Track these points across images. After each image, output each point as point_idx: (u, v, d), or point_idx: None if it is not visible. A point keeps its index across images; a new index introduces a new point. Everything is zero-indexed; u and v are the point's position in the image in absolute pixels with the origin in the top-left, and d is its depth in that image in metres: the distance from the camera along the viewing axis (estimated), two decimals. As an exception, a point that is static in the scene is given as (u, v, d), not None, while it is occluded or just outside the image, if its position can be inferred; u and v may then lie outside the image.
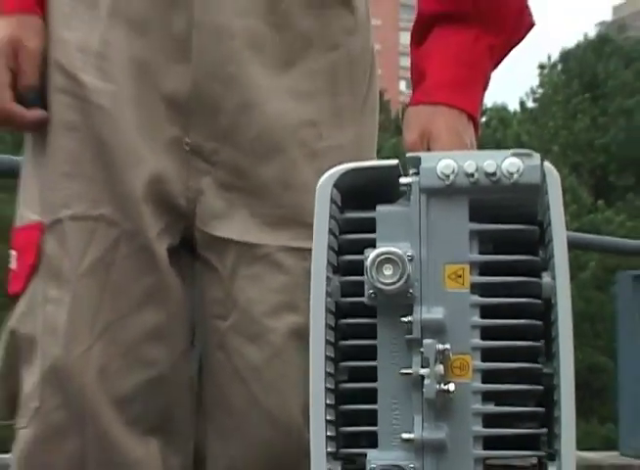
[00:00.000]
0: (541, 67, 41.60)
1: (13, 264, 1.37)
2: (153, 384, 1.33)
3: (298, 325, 1.28)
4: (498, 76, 1.33)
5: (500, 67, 1.34)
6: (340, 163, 1.20)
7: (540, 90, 40.96)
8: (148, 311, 1.32)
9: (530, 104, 39.90)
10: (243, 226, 1.33)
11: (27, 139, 1.41)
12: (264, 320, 1.32)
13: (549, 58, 41.39)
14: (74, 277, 1.31)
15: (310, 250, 1.17)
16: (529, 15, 1.34)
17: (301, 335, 1.24)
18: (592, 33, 44.84)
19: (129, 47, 1.33)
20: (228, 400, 1.34)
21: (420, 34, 1.36)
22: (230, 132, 1.33)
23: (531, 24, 1.35)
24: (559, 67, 40.88)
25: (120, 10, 1.33)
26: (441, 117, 1.31)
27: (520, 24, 1.34)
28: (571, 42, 42.04)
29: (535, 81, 41.76)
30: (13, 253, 1.37)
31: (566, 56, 41.07)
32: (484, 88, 1.34)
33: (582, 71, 39.43)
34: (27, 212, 1.37)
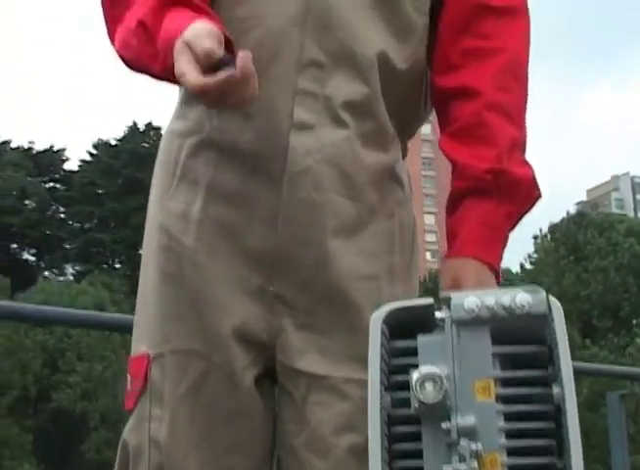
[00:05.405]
0: (535, 237, 41.65)
1: (128, 386, 1.34)
2: None
3: (357, 443, 1.22)
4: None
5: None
6: None
7: (535, 255, 40.91)
8: (232, 428, 1.28)
9: (528, 266, 39.84)
10: (314, 360, 1.29)
11: (139, 292, 1.40)
12: (330, 438, 1.26)
13: (540, 230, 41.51)
14: (172, 400, 1.29)
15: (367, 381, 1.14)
16: (537, 189, 1.33)
17: (360, 451, 1.19)
18: (572, 210, 45.04)
19: (222, 215, 1.31)
20: None
21: (452, 206, 1.33)
22: (308, 283, 1.29)
23: (539, 196, 1.33)
24: (548, 237, 40.89)
25: (216, 187, 1.32)
26: (469, 268, 1.28)
27: (530, 196, 1.32)
28: (556, 218, 42.10)
29: (531, 248, 41.73)
30: (129, 377, 1.34)
31: (553, 228, 41.11)
32: (504, 246, 1.32)
33: (567, 240, 39.40)
34: (138, 345, 1.35)
